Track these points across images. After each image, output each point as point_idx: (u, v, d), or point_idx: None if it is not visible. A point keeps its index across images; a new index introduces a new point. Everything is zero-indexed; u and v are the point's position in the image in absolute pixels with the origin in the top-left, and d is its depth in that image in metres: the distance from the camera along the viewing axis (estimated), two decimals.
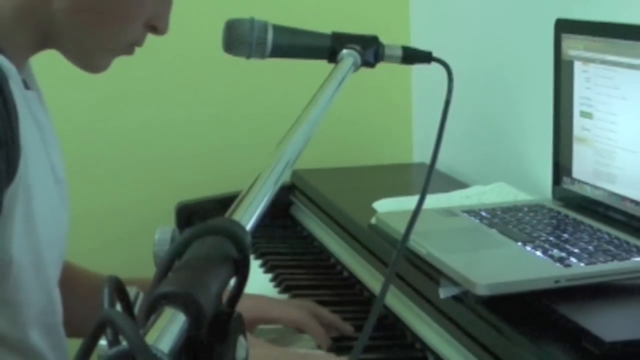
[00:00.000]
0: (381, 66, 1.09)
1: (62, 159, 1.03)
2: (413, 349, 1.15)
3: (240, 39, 1.04)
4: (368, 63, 1.05)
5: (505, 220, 1.19)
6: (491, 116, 1.64)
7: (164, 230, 0.55)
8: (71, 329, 1.04)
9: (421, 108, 1.95)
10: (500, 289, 0.97)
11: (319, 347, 1.16)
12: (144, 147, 1.88)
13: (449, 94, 1.01)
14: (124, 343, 0.43)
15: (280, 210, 1.69)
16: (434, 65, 1.09)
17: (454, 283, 1.02)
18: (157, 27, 0.99)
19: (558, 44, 1.25)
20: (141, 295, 0.51)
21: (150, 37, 1.02)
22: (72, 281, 1.11)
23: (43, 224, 0.95)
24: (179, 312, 0.46)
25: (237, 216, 0.58)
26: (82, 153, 1.81)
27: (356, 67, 1.02)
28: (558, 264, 1.01)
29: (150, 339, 0.44)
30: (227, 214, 0.59)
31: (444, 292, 1.03)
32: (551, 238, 1.10)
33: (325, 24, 1.11)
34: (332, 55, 1.04)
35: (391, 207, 1.38)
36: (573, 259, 1.02)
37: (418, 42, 1.19)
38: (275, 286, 1.39)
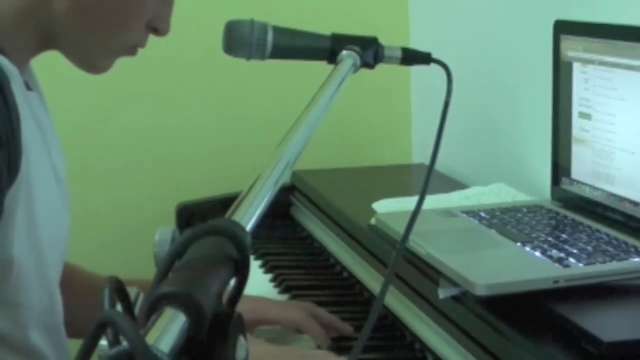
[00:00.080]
0: (380, 67, 1.09)
1: (63, 160, 1.03)
2: (412, 349, 1.15)
3: (240, 40, 1.04)
4: (367, 64, 1.05)
5: (504, 221, 1.19)
6: (490, 117, 1.65)
7: (164, 231, 0.55)
8: (71, 330, 1.04)
9: (420, 109, 1.95)
10: (499, 289, 0.97)
11: (319, 347, 1.16)
12: (145, 147, 1.89)
13: (448, 95, 1.01)
14: (125, 343, 0.43)
15: (280, 211, 1.69)
16: (433, 66, 1.09)
17: (453, 283, 1.02)
18: (158, 28, 1.00)
19: (557, 45, 1.25)
20: (141, 296, 0.51)
21: (151, 38, 1.02)
22: (72, 282, 1.11)
23: (44, 224, 0.95)
24: (179, 313, 0.46)
25: (237, 217, 0.59)
26: (82, 154, 1.81)
27: (356, 68, 1.02)
28: (557, 265, 1.01)
29: (150, 339, 0.44)
30: (227, 215, 0.59)
31: (443, 293, 1.03)
32: (550, 238, 1.11)
33: (324, 26, 1.12)
34: (331, 57, 1.05)
35: (390, 208, 1.38)
36: (572, 260, 1.02)
37: (417, 44, 1.19)
38: (275, 286, 1.39)
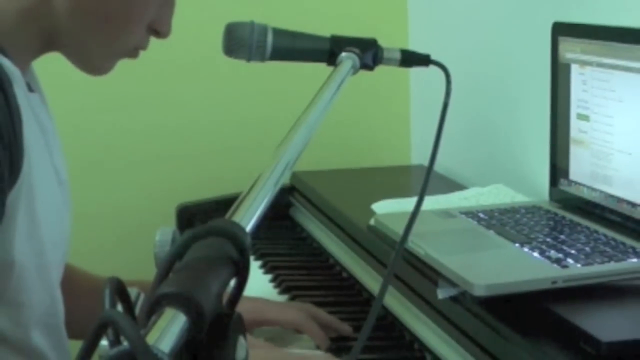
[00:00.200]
0: (380, 69, 1.09)
1: (64, 161, 1.03)
2: (411, 349, 1.15)
3: (241, 42, 1.04)
4: (367, 66, 1.06)
5: (503, 222, 1.20)
6: (489, 118, 1.65)
7: (165, 232, 0.55)
8: (71, 331, 1.04)
9: (419, 110, 1.95)
10: (498, 289, 0.97)
11: (318, 347, 1.16)
12: (145, 149, 1.89)
13: (447, 96, 1.02)
14: (125, 343, 0.43)
15: (279, 212, 1.70)
16: (432, 68, 1.09)
17: (452, 284, 1.02)
18: (159, 30, 1.00)
19: (555, 47, 1.25)
20: (142, 296, 0.52)
21: (151, 40, 1.03)
22: (72, 283, 1.11)
23: (46, 225, 0.95)
24: (179, 313, 0.46)
25: (237, 217, 0.59)
26: (83, 155, 1.82)
27: (355, 70, 1.02)
28: (555, 265, 1.01)
29: (151, 339, 0.44)
30: (227, 216, 0.59)
31: (442, 293, 1.04)
32: (548, 239, 1.11)
33: (324, 27, 1.12)
34: (331, 58, 1.05)
35: (390, 209, 1.38)
36: (570, 260, 1.02)
37: (416, 45, 1.20)
38: (275, 287, 1.40)
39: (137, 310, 0.51)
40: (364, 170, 1.85)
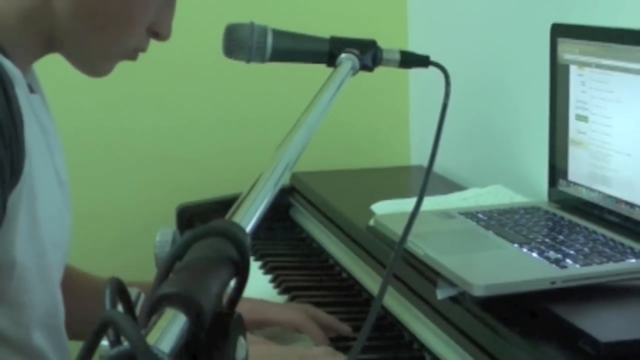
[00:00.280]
0: (379, 70, 1.09)
1: (65, 162, 1.04)
2: (410, 349, 1.16)
3: (241, 43, 1.05)
4: (366, 67, 1.06)
5: (502, 222, 1.20)
6: (488, 119, 1.65)
7: (165, 232, 0.56)
8: (71, 332, 1.05)
9: (419, 111, 1.95)
10: (497, 290, 0.98)
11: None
12: (145, 149, 1.89)
13: (446, 97, 1.02)
14: (126, 343, 0.43)
15: (279, 212, 1.70)
16: (432, 69, 1.10)
17: (451, 284, 1.03)
18: (159, 33, 1.00)
19: (554, 48, 1.26)
20: (142, 296, 0.52)
21: (152, 41, 1.03)
22: (72, 284, 1.11)
23: (47, 226, 0.95)
24: (179, 313, 0.46)
25: (237, 218, 0.59)
26: (84, 156, 1.82)
27: (354, 71, 1.02)
28: (554, 266, 1.02)
29: (151, 339, 0.44)
30: (227, 216, 0.59)
31: (441, 293, 1.04)
32: (547, 240, 1.11)
33: (324, 29, 1.12)
34: (330, 59, 1.05)
35: (389, 209, 1.39)
36: (569, 261, 1.02)
37: (416, 47, 1.20)
38: (275, 287, 1.40)
39: (138, 310, 0.51)
40: (364, 171, 1.85)
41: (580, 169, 1.23)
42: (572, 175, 1.25)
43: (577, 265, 1.01)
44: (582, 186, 1.23)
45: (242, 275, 0.53)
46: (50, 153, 0.98)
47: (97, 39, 0.98)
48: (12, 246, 0.91)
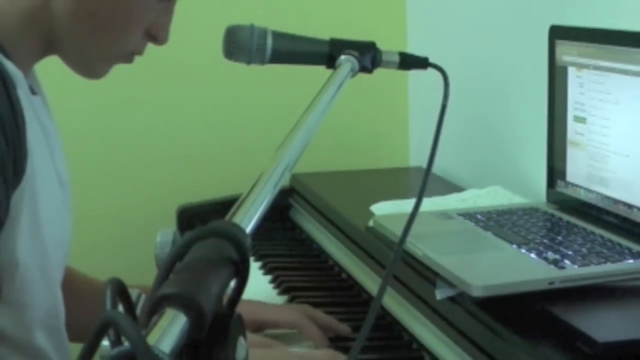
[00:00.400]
0: (378, 72, 1.10)
1: (65, 163, 1.04)
2: (409, 349, 1.16)
3: (241, 45, 1.05)
4: (366, 69, 1.06)
5: (500, 223, 1.20)
6: (487, 121, 1.66)
7: (166, 233, 0.56)
8: (71, 333, 1.05)
9: (418, 113, 1.96)
10: (496, 290, 0.98)
11: (317, 348, 1.17)
12: (146, 150, 1.90)
13: (445, 98, 1.02)
14: (126, 344, 0.43)
15: (279, 213, 1.70)
16: (430, 70, 1.10)
17: (450, 284, 1.03)
18: (157, 36, 1.00)
19: (552, 50, 1.26)
20: (143, 297, 0.52)
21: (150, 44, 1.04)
22: (72, 285, 1.11)
23: (48, 226, 0.95)
24: (180, 314, 0.46)
25: (238, 219, 0.59)
26: (84, 157, 1.82)
27: (354, 73, 1.03)
28: (552, 266, 1.02)
29: (151, 339, 0.44)
30: (227, 217, 0.59)
31: (440, 294, 1.04)
32: (545, 240, 1.11)
33: (323, 31, 1.13)
34: (330, 61, 1.06)
35: (388, 210, 1.39)
36: (567, 261, 1.03)
37: (415, 48, 1.20)
38: (275, 288, 1.40)
39: (138, 311, 0.51)
40: (363, 172, 1.85)
41: (579, 170, 1.23)
42: (570, 177, 1.25)
43: (575, 266, 1.02)
44: (580, 187, 1.23)
45: (242, 276, 0.53)
46: (51, 154, 0.99)
47: (95, 40, 0.98)
48: (15, 246, 0.92)
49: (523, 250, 1.08)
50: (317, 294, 1.36)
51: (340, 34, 1.09)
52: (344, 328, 1.21)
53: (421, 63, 1.11)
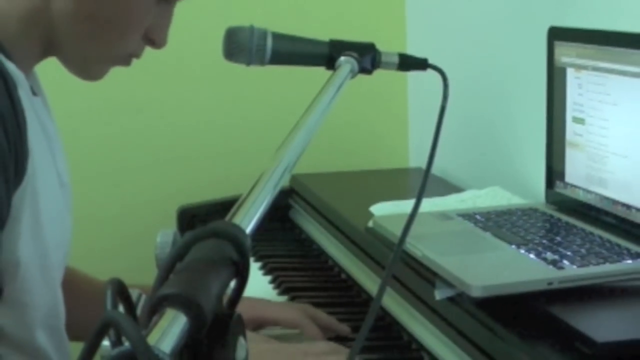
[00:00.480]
0: (378, 73, 1.10)
1: (66, 164, 1.05)
2: (409, 350, 1.16)
3: (240, 46, 1.05)
4: (365, 70, 1.06)
5: (500, 224, 1.20)
6: (486, 122, 1.66)
7: (166, 234, 0.56)
8: (71, 333, 1.05)
9: (417, 114, 1.96)
10: (495, 290, 0.98)
11: None
12: (146, 151, 1.90)
13: (445, 100, 1.02)
14: (127, 344, 0.43)
15: (279, 214, 1.71)
16: (430, 71, 1.10)
17: (449, 285, 1.03)
18: (155, 40, 1.00)
19: (551, 51, 1.26)
20: (143, 297, 0.52)
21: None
22: (73, 285, 1.12)
23: (49, 227, 0.95)
24: (180, 314, 0.46)
25: (238, 219, 0.59)
26: (84, 157, 1.83)
27: (353, 74, 1.03)
28: (551, 267, 1.02)
29: (152, 339, 0.44)
30: (227, 218, 0.59)
31: (440, 294, 1.04)
32: (544, 241, 1.12)
33: (323, 32, 1.13)
34: (330, 62, 1.06)
35: (388, 211, 1.39)
36: (566, 262, 1.03)
37: (414, 49, 1.20)
38: (275, 288, 1.41)
39: (139, 311, 0.51)
40: (363, 172, 1.86)
41: (577, 171, 1.23)
42: (569, 177, 1.26)
43: (574, 267, 1.02)
44: (579, 188, 1.23)
45: (242, 276, 0.53)
46: (52, 154, 0.99)
47: (94, 42, 0.99)
48: (16, 246, 0.92)
49: (522, 251, 1.09)
50: (317, 295, 1.36)
51: (339, 35, 1.10)
52: (344, 328, 1.21)
53: (420, 64, 1.12)
